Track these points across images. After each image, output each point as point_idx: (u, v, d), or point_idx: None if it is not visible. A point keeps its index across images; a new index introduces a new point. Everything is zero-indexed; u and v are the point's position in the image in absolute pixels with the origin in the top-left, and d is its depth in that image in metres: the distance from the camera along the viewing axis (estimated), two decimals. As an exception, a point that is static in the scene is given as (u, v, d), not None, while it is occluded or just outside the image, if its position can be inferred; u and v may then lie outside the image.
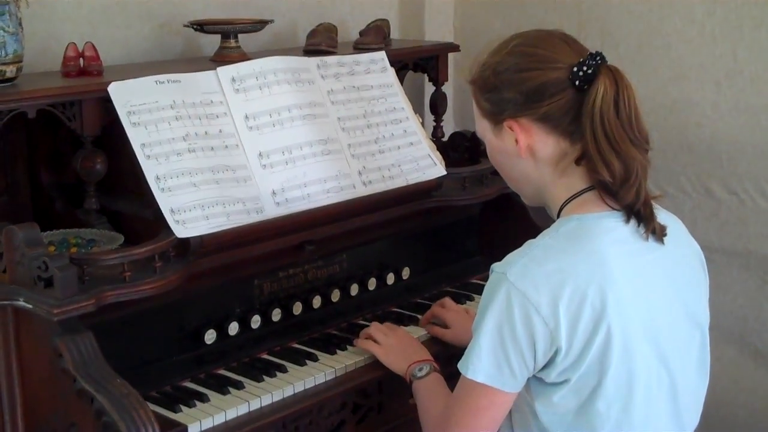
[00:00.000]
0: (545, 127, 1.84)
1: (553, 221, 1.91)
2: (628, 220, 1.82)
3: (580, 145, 1.82)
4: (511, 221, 2.92)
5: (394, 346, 2.26)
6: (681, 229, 1.96)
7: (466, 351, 1.83)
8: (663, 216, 1.88)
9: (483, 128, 1.96)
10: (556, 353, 1.76)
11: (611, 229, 1.81)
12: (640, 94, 1.84)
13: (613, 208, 1.82)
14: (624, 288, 1.77)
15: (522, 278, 1.75)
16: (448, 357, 2.34)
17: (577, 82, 1.79)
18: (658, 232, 1.83)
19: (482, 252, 2.98)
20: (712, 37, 2.97)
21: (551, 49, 1.85)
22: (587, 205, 1.84)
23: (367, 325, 2.45)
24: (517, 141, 1.87)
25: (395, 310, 2.58)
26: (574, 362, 1.76)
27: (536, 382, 1.82)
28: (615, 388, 1.78)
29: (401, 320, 2.51)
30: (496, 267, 1.82)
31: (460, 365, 1.85)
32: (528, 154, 1.87)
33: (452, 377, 2.16)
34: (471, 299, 2.69)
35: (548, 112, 1.82)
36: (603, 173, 1.78)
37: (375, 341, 2.29)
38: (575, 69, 1.80)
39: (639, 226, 1.82)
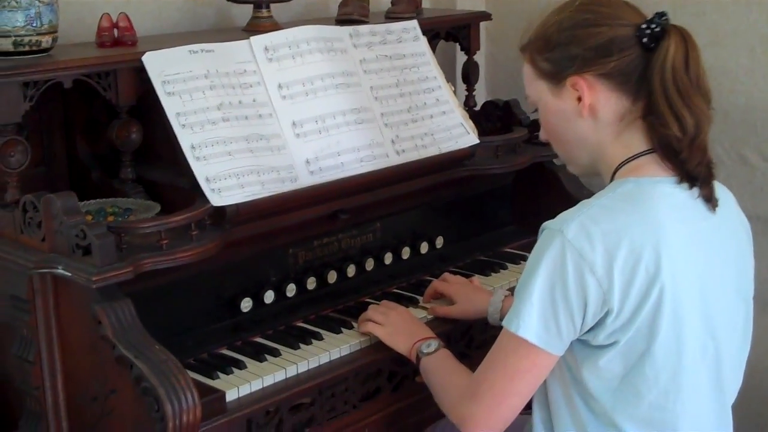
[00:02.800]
0: (610, 84, 1.84)
1: (591, 191, 1.90)
2: (681, 181, 1.81)
3: (641, 103, 1.82)
4: (544, 190, 2.92)
5: (397, 324, 2.22)
6: (731, 200, 1.94)
7: (513, 308, 1.80)
8: (715, 186, 1.86)
9: (539, 91, 1.93)
10: (606, 315, 1.75)
11: (668, 195, 1.80)
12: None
13: (669, 171, 1.81)
14: (678, 254, 1.76)
15: (578, 236, 1.73)
16: (461, 333, 2.37)
17: (644, 40, 1.80)
18: (712, 200, 1.83)
19: (515, 221, 2.98)
20: (747, 3, 2.94)
21: (617, 8, 1.86)
22: (643, 169, 1.83)
23: (402, 294, 2.47)
24: (579, 99, 1.86)
25: (429, 278, 2.57)
26: (624, 324, 1.75)
27: (581, 345, 1.81)
28: (664, 355, 1.77)
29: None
30: (550, 224, 1.79)
31: (506, 322, 1.81)
32: (589, 112, 1.86)
33: (464, 357, 2.16)
34: (504, 267, 2.69)
35: (616, 68, 1.82)
36: (673, 128, 1.77)
37: (376, 323, 2.24)
38: (644, 26, 1.81)
39: (692, 188, 1.81)
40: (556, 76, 1.88)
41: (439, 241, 2.74)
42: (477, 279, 2.53)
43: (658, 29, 1.80)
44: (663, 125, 1.79)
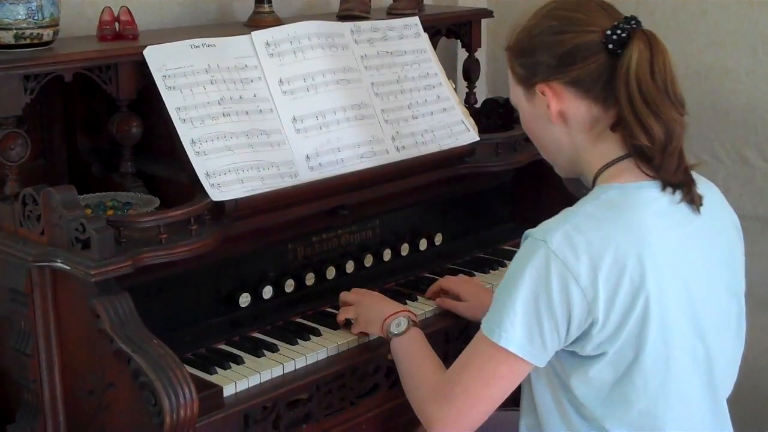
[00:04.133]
0: (577, 92, 1.83)
1: (587, 188, 1.90)
2: (664, 188, 1.79)
3: (614, 111, 1.81)
4: (544, 188, 2.92)
5: (366, 304, 2.21)
6: (718, 197, 1.93)
7: (493, 316, 1.78)
8: (700, 184, 1.85)
9: (517, 95, 1.94)
10: (591, 325, 1.74)
11: (652, 201, 1.79)
12: (675, 60, 1.82)
13: (650, 176, 1.80)
14: (663, 261, 1.75)
15: (563, 246, 1.72)
16: (459, 331, 2.36)
17: (610, 46, 1.78)
18: (695, 201, 1.82)
19: (514, 218, 2.98)
20: (749, 3, 2.94)
21: (587, 12, 1.83)
22: (624, 174, 1.82)
23: (400, 291, 2.47)
24: (548, 106, 1.86)
25: (427, 275, 2.58)
26: (611, 335, 1.74)
27: (569, 355, 1.80)
28: (652, 363, 1.76)
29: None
30: (534, 233, 1.78)
31: (486, 330, 1.79)
32: (559, 119, 1.86)
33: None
34: (503, 265, 2.69)
35: (579, 76, 1.81)
36: (641, 138, 1.76)
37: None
38: (608, 32, 1.78)
39: (674, 193, 1.80)
40: (527, 82, 1.89)
41: (438, 238, 2.74)
42: (478, 280, 2.53)
43: (624, 35, 1.78)
44: (630, 135, 1.78)
